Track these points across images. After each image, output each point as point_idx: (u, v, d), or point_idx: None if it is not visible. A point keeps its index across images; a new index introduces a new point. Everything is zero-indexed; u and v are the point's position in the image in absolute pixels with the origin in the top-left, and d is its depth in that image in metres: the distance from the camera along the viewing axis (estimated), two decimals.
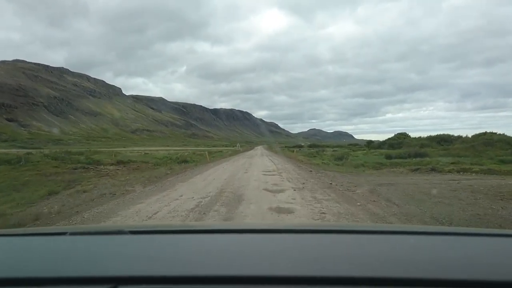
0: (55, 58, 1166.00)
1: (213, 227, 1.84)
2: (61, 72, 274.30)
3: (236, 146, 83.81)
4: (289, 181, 12.51)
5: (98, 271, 0.98)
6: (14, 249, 1.29)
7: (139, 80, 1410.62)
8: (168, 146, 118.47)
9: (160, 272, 0.93)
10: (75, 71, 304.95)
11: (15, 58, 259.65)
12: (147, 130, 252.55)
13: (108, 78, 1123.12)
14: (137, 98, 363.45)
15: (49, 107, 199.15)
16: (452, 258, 1.07)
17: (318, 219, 6.26)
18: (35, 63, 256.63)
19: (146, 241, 1.39)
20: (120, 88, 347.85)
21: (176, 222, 5.88)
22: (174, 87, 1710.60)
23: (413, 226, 3.94)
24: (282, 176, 14.65)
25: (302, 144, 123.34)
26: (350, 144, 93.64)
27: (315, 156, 33.50)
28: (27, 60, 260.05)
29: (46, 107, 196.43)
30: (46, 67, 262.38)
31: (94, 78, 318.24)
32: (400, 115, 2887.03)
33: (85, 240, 1.39)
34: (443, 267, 0.96)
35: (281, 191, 9.98)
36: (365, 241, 1.33)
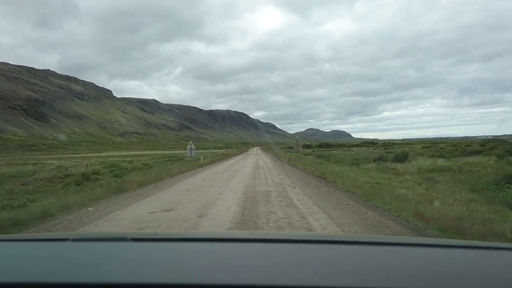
0: (48, 62, 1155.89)
1: (215, 236, 1.83)
2: (46, 74, 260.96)
3: (188, 147, 28.90)
4: None
5: (99, 277, 0.99)
6: (17, 255, 1.29)
7: (134, 83, 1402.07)
8: (154, 149, 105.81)
9: (161, 279, 0.94)
10: (67, 74, 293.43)
11: (4, 61, 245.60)
12: (137, 133, 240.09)
13: (103, 81, 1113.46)
14: (128, 101, 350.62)
15: (29, 110, 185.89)
16: (456, 271, 1.07)
17: None
18: (18, 65, 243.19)
19: (148, 248, 1.39)
20: (110, 91, 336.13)
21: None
22: (170, 89, 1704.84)
23: (417, 238, 3.92)
24: None
25: (303, 143, 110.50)
26: (366, 143, 79.94)
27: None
28: (14, 63, 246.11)
29: (25, 110, 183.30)
30: (30, 70, 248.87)
31: (83, 81, 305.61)
32: (397, 112, 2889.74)
33: (87, 246, 1.39)
34: (446, 280, 0.95)
35: None
36: (368, 252, 1.31)
